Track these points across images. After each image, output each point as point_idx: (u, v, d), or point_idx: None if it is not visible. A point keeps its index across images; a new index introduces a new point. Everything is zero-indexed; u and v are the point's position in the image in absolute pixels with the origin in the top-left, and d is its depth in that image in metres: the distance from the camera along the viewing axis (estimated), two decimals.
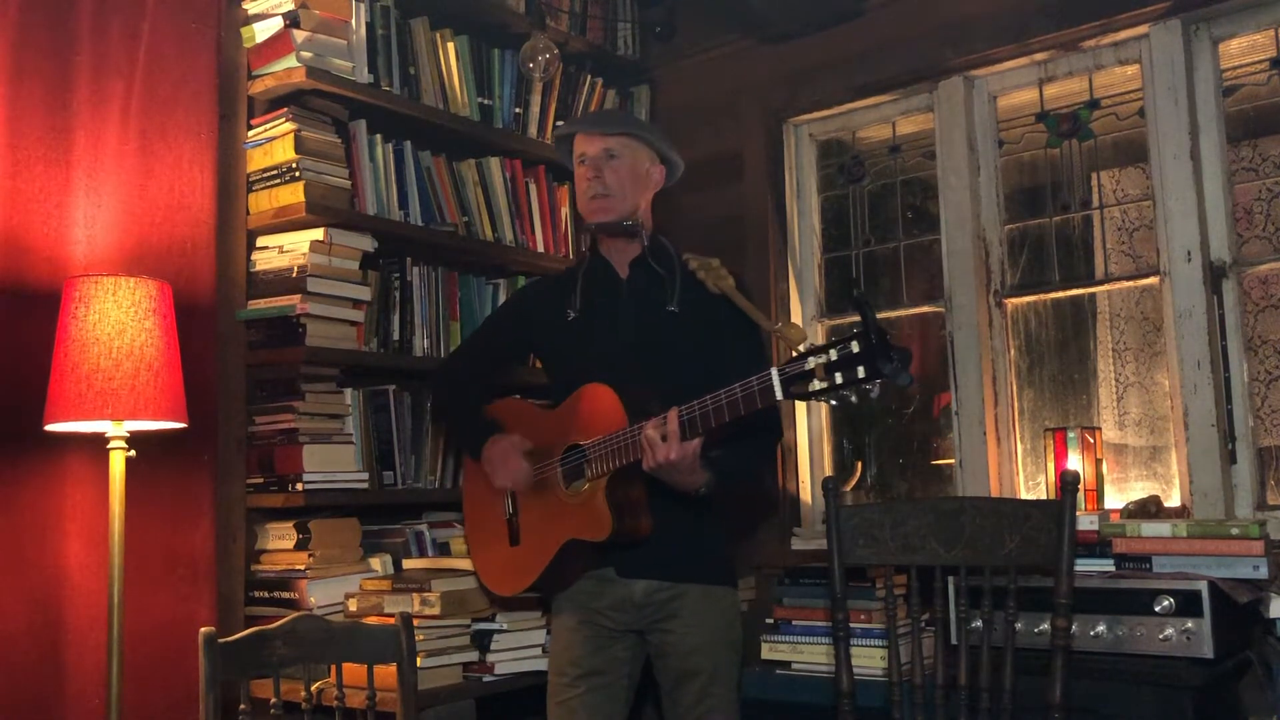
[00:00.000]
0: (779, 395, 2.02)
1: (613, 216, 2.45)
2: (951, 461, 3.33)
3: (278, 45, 2.85)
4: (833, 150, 3.71)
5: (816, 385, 1.96)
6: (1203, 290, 2.93)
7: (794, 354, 2.03)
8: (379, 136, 3.07)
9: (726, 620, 2.42)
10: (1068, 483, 2.16)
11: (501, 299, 3.38)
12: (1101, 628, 2.46)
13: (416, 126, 3.15)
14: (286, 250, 2.86)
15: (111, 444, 2.33)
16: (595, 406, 2.32)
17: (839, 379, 1.94)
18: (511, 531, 2.49)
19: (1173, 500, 2.96)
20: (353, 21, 2.98)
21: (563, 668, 2.42)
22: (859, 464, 3.60)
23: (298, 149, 2.83)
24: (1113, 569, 2.61)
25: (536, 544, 2.43)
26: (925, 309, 3.44)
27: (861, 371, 1.91)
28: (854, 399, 1.94)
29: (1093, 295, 3.28)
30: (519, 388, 3.04)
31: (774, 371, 2.02)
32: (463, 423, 2.65)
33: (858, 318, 1.94)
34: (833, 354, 1.94)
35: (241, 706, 2.22)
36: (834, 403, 1.97)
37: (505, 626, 2.75)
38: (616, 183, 2.45)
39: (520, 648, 2.76)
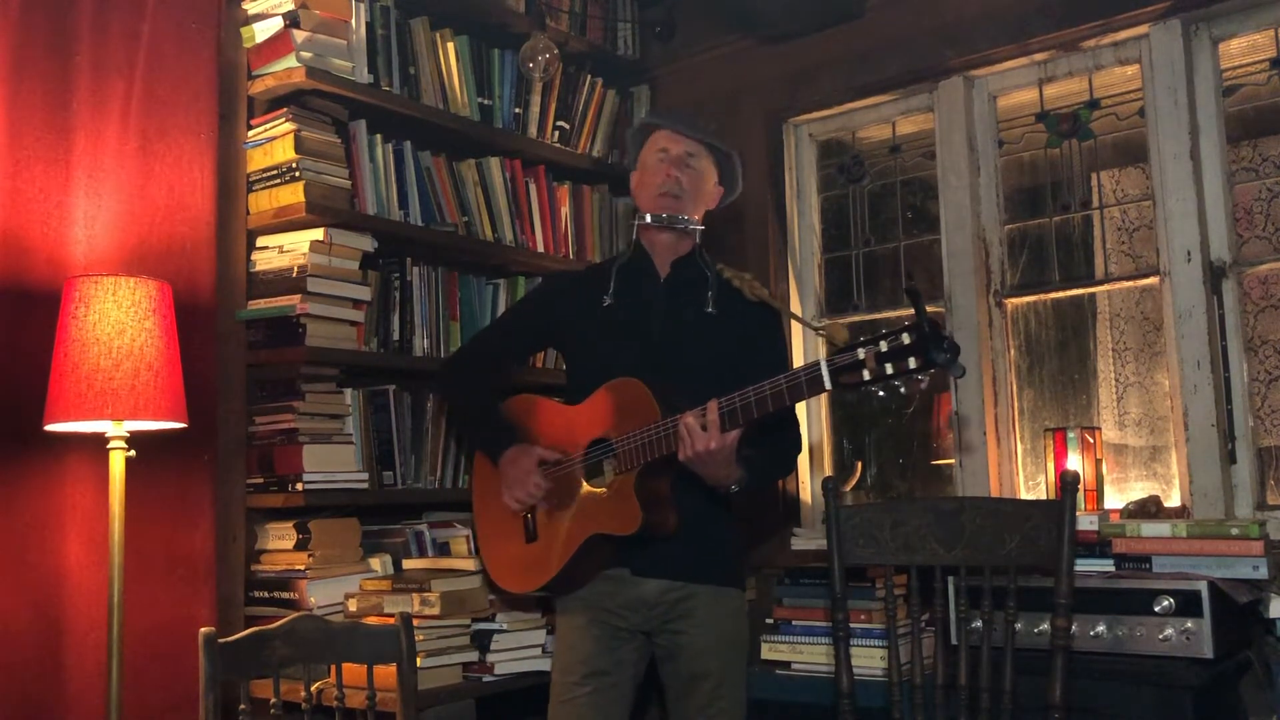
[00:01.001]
0: (828, 385, 2.02)
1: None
2: (951, 461, 3.33)
3: (278, 45, 2.85)
4: (833, 150, 3.71)
5: (866, 375, 1.97)
6: (1203, 290, 2.93)
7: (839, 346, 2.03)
8: (379, 136, 3.07)
9: (735, 622, 2.42)
10: (1068, 483, 2.16)
11: (502, 299, 3.38)
12: (1101, 628, 2.47)
13: (416, 126, 3.15)
14: (286, 250, 2.86)
15: (111, 444, 2.33)
16: (627, 400, 2.30)
17: (889, 369, 1.94)
18: (527, 528, 2.47)
19: (1173, 500, 2.96)
20: (353, 21, 2.98)
21: (569, 667, 2.41)
22: (859, 464, 3.60)
23: (298, 149, 2.83)
24: (1113, 569, 2.61)
25: (556, 540, 2.40)
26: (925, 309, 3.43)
27: (914, 362, 1.92)
28: (903, 390, 1.95)
29: (1093, 295, 3.29)
30: (523, 388, 3.04)
31: (822, 362, 2.02)
32: (481, 422, 2.61)
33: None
34: (883, 345, 1.95)
35: (241, 706, 2.22)
36: (882, 393, 1.98)
37: (505, 626, 2.75)
38: (690, 186, 2.46)
39: (520, 648, 2.77)
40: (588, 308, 2.49)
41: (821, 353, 3.58)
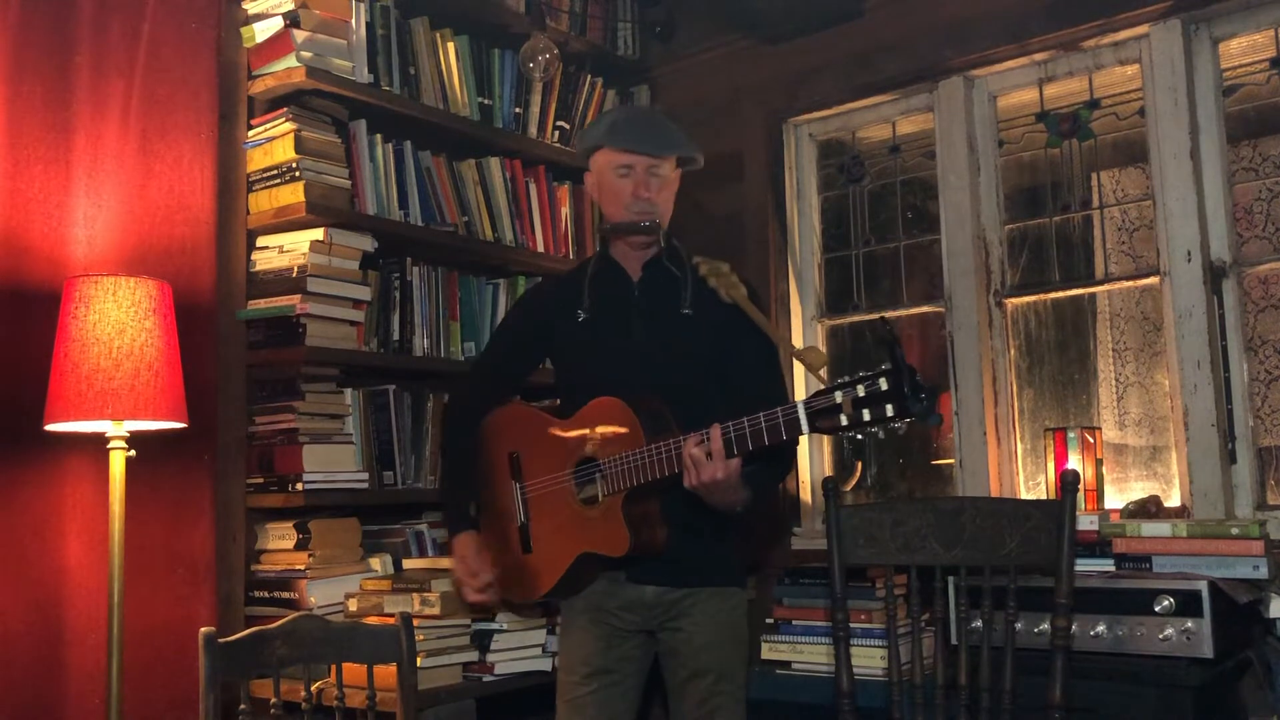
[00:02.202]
0: (805, 429, 2.02)
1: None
2: (951, 461, 3.33)
3: (278, 45, 2.85)
4: (833, 150, 3.71)
5: (843, 420, 1.97)
6: (1203, 290, 2.93)
7: (821, 385, 2.02)
8: (379, 136, 3.07)
9: (735, 620, 2.41)
10: (1068, 483, 2.16)
11: (502, 299, 3.38)
12: (1101, 628, 2.46)
13: (416, 126, 3.15)
14: (286, 250, 2.87)
15: (111, 444, 2.33)
16: (610, 421, 2.29)
17: (866, 415, 1.94)
18: (523, 539, 2.47)
19: (1173, 500, 2.96)
20: (353, 21, 2.98)
21: (573, 666, 2.41)
22: (859, 464, 3.60)
23: (298, 149, 2.83)
24: (1113, 569, 2.61)
25: (550, 554, 2.41)
26: (925, 309, 3.44)
27: (890, 410, 1.92)
28: (881, 435, 1.95)
29: (1093, 295, 3.28)
30: (526, 388, 3.03)
31: (800, 405, 2.02)
32: (450, 491, 2.61)
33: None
34: (860, 390, 1.95)
35: (241, 706, 2.22)
36: (859, 437, 1.98)
37: (505, 626, 2.75)
38: (662, 201, 2.43)
39: (520, 648, 2.77)
40: (566, 319, 2.47)
41: (823, 345, 3.58)
